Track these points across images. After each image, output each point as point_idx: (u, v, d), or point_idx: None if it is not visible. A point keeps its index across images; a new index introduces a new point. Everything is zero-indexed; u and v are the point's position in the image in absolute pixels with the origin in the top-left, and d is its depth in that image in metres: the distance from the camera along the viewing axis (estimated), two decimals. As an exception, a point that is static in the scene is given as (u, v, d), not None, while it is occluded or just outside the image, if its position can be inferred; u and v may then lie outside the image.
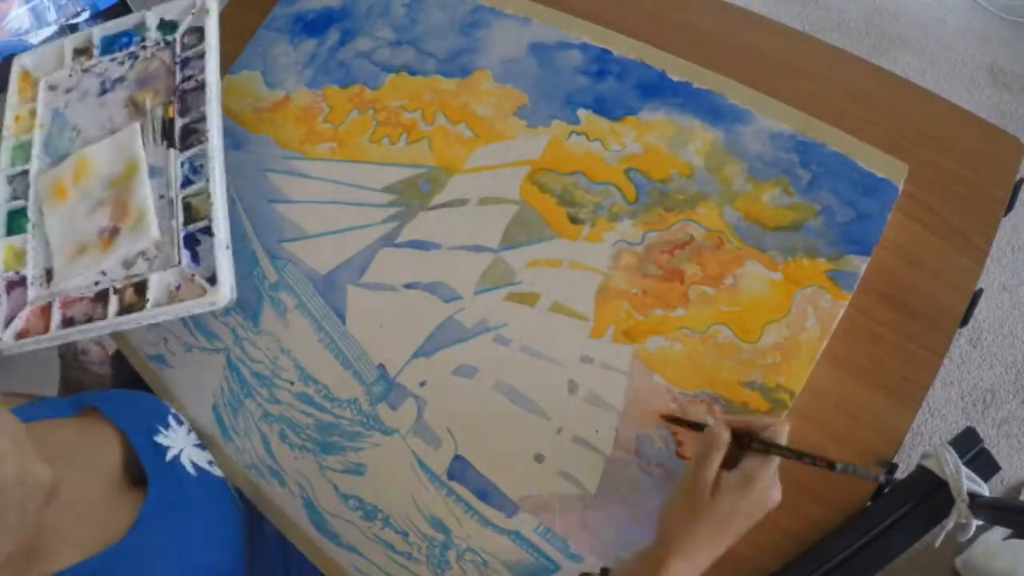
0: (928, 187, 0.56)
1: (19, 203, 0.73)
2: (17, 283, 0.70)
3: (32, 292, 0.69)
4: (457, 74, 0.71)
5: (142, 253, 0.67)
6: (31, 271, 0.70)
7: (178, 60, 0.74)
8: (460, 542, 0.58)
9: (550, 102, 0.66)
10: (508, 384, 0.59)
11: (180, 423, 0.65)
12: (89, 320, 0.66)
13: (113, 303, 0.66)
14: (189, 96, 0.72)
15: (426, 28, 0.75)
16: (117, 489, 0.55)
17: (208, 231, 0.66)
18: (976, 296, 0.54)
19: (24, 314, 0.68)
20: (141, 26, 0.77)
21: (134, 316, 0.64)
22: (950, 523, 0.49)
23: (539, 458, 0.57)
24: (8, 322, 0.69)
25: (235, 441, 0.68)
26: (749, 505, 0.46)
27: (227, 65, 0.83)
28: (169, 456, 0.59)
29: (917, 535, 0.50)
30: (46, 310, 0.68)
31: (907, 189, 0.55)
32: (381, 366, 0.64)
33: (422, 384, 0.62)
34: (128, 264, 0.67)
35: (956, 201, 0.56)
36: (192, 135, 0.70)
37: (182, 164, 0.69)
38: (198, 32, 0.74)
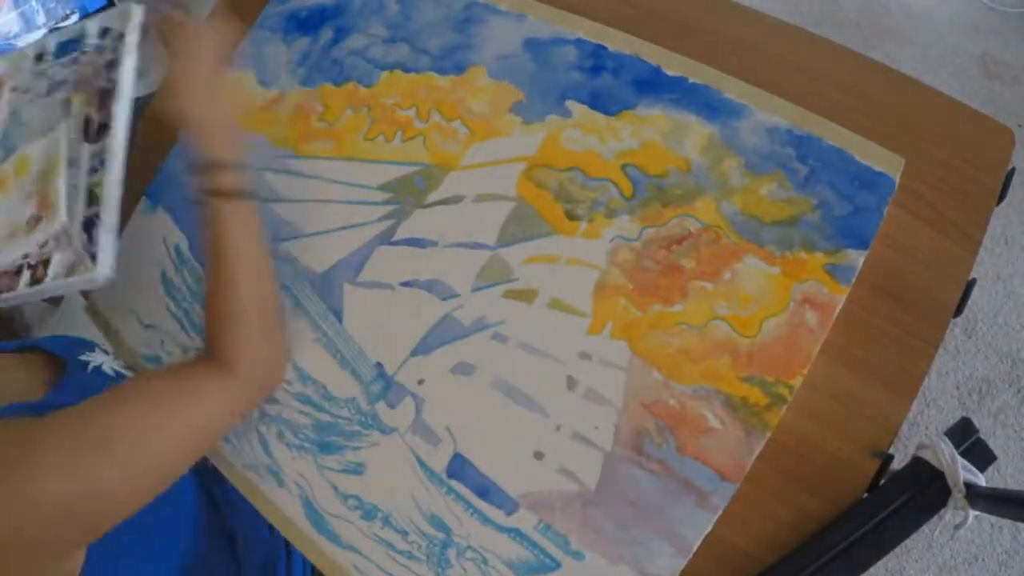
0: (920, 178, 0.56)
1: None
2: None
3: None
4: (451, 71, 0.71)
5: (55, 237, 0.72)
6: None
7: (104, 63, 0.77)
8: (460, 540, 0.58)
9: (545, 98, 0.66)
10: (507, 381, 0.59)
11: (107, 353, 0.70)
12: (10, 290, 0.72)
13: (25, 276, 0.72)
14: (104, 95, 0.76)
15: (420, 25, 0.74)
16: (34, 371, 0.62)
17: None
18: (969, 286, 0.54)
19: None
20: (84, 33, 0.81)
21: (34, 289, 0.71)
22: (947, 513, 0.50)
23: (538, 455, 0.57)
24: None
25: (232, 442, 0.68)
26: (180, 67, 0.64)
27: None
28: (91, 366, 0.65)
29: (914, 526, 0.50)
30: None
31: (900, 180, 0.55)
32: (379, 365, 0.64)
33: (420, 382, 0.62)
34: (42, 245, 0.72)
35: (949, 191, 0.56)
36: (103, 131, 0.74)
37: (92, 156, 0.73)
38: (123, 37, 0.78)
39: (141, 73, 1.10)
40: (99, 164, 0.73)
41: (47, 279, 0.70)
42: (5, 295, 0.73)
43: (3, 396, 0.57)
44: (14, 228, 0.74)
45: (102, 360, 0.68)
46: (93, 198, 0.72)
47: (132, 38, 0.77)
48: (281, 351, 0.63)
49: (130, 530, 0.54)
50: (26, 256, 0.73)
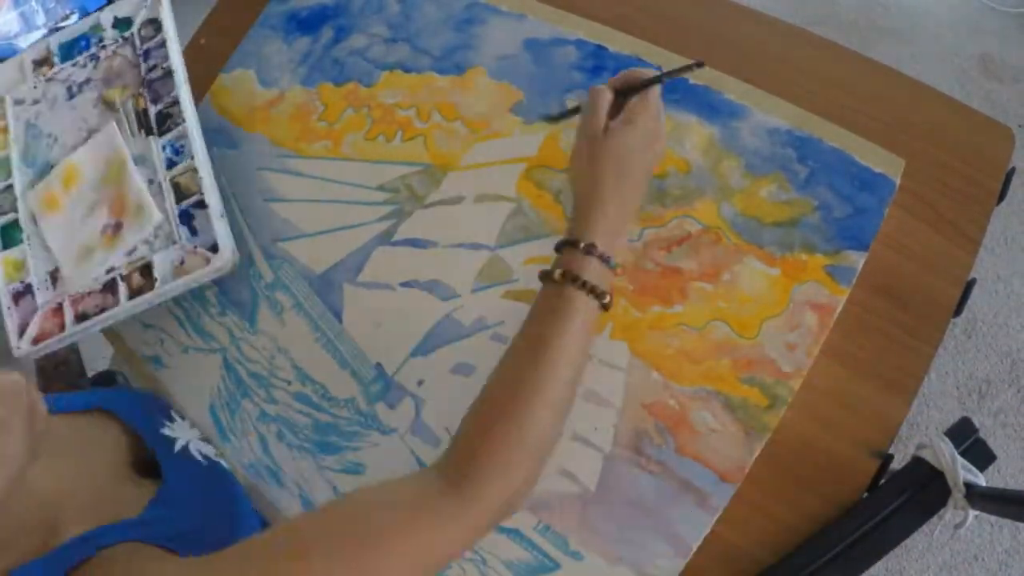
0: (920, 178, 0.56)
1: (9, 216, 0.75)
2: (23, 292, 0.72)
3: (40, 297, 0.71)
4: (452, 71, 0.71)
5: (147, 240, 0.69)
6: (34, 278, 0.72)
7: (140, 52, 0.76)
8: (460, 540, 0.58)
9: (546, 98, 0.66)
10: (507, 382, 0.59)
11: (183, 418, 0.66)
12: (102, 311, 0.68)
13: (123, 290, 0.68)
14: (157, 84, 0.74)
15: (420, 25, 0.74)
16: (128, 481, 0.55)
17: (201, 204, 0.69)
18: (969, 286, 0.54)
19: (36, 319, 0.70)
20: (96, 28, 0.79)
21: (147, 297, 0.66)
22: (947, 513, 0.50)
23: (538, 455, 0.57)
24: (22, 331, 0.70)
25: (232, 442, 0.68)
26: (637, 139, 0.50)
27: (220, 63, 0.83)
28: (178, 447, 0.59)
29: (914, 526, 0.50)
30: (58, 311, 0.70)
31: (900, 181, 0.55)
32: (379, 365, 0.64)
33: (420, 383, 0.62)
34: (130, 252, 0.69)
35: (948, 192, 0.56)
36: (168, 119, 0.72)
37: (163, 148, 0.71)
38: (154, 23, 0.77)
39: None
40: (174, 155, 0.71)
41: (158, 283, 0.67)
42: (111, 311, 0.67)
43: (95, 490, 0.51)
44: (88, 244, 0.70)
45: (186, 438, 0.61)
46: (180, 191, 0.70)
47: (168, 18, 0.75)
48: (534, 482, 0.47)
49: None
50: (112, 269, 0.69)
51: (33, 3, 1.20)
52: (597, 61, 0.65)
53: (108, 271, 0.69)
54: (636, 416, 0.55)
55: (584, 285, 0.46)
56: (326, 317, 0.67)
